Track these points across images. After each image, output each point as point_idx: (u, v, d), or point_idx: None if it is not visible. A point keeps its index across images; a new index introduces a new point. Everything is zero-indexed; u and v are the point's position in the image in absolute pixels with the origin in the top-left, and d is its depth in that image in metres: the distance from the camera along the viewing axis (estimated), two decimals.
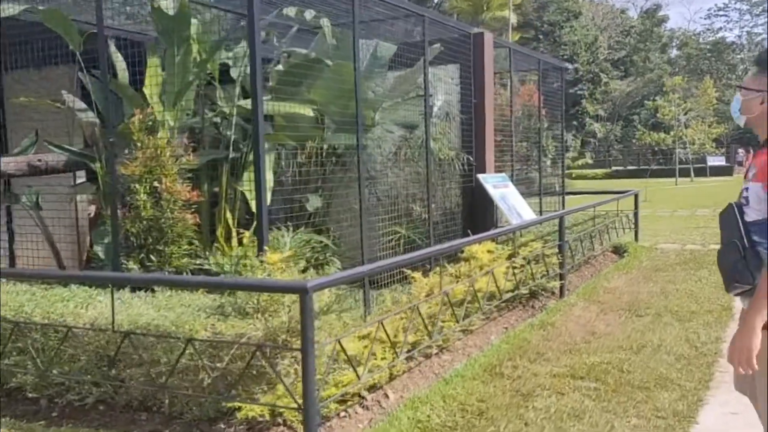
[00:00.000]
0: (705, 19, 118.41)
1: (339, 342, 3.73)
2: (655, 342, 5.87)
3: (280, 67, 6.75)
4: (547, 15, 56.46)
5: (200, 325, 3.77)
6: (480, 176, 7.70)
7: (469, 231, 7.44)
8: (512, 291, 6.89)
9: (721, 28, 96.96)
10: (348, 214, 7.44)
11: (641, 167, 49.60)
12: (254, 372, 3.71)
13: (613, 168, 53.33)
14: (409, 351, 5.24)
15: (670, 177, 36.74)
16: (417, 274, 6.35)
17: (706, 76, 50.61)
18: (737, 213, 2.67)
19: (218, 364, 3.64)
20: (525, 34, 54.80)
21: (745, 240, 2.61)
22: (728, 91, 63.36)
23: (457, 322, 5.73)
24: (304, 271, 5.07)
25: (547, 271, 7.48)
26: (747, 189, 2.65)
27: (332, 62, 6.48)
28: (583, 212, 10.85)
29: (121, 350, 3.92)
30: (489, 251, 7.20)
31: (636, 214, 11.71)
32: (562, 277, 7.55)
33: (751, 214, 2.63)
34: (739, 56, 69.08)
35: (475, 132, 7.88)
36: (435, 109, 7.56)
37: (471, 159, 7.88)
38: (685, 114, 38.35)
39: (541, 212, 10.26)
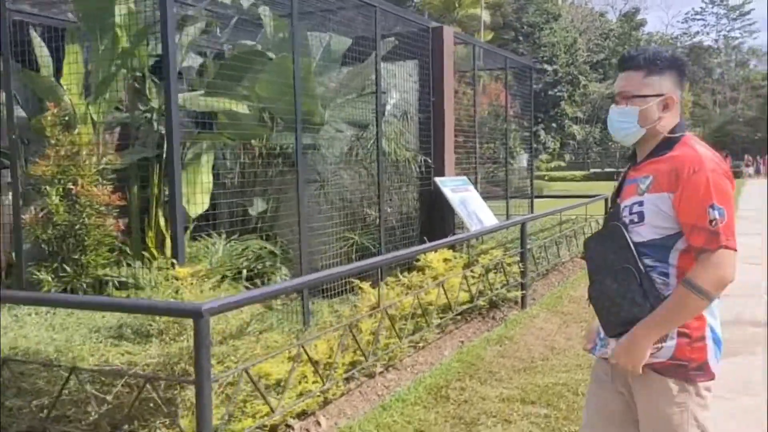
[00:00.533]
0: (682, 23, 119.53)
1: (246, 371, 3.26)
2: None
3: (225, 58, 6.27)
4: (526, 17, 56.28)
5: (88, 351, 3.29)
6: (438, 179, 7.26)
7: (425, 238, 7.00)
8: (469, 302, 6.46)
9: (698, 32, 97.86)
10: (297, 219, 6.98)
11: (619, 170, 49.59)
12: (151, 404, 3.23)
13: (592, 170, 53.37)
14: (347, 371, 4.79)
15: None
16: (366, 285, 5.90)
17: None
18: (627, 233, 2.22)
19: (108, 397, 3.16)
20: (505, 35, 54.64)
21: (640, 265, 2.19)
22: (704, 95, 63.80)
23: (400, 339, 5.28)
24: (222, 282, 4.60)
25: (508, 280, 7.06)
26: (640, 203, 2.22)
27: (276, 55, 6.01)
28: (552, 217, 10.48)
29: (3, 378, 3.43)
30: (446, 260, 6.77)
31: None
32: (523, 286, 7.14)
33: (645, 233, 2.21)
34: (715, 60, 69.59)
35: (433, 132, 7.44)
36: (388, 107, 7.11)
37: (429, 161, 7.45)
38: None
39: (507, 217, 9.86)
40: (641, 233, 2.21)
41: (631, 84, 2.29)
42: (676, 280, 2.19)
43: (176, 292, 3.70)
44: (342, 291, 6.44)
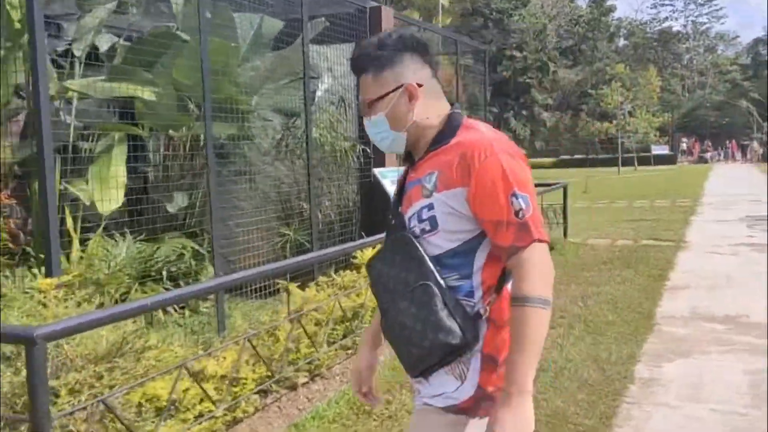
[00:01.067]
0: (651, 8, 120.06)
1: (104, 402, 2.79)
2: (560, 362, 5.08)
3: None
4: (495, 2, 55.91)
5: None
6: (377, 171, 6.80)
7: (362, 233, 6.56)
8: None
9: (667, 18, 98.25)
10: (230, 213, 6.50)
11: (589, 156, 49.73)
12: None
13: (561, 157, 53.42)
14: (262, 383, 4.34)
15: (615, 166, 36.61)
16: (293, 286, 5.45)
17: (650, 66, 50.75)
18: (418, 243, 1.79)
19: None
20: (473, 21, 54.26)
21: (440, 280, 1.76)
22: (673, 80, 64.07)
23: (317, 346, 4.83)
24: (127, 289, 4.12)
25: None
26: (429, 207, 1.78)
27: (191, 37, 5.50)
28: None
29: None
30: None
31: (564, 208, 11.00)
32: None
33: (441, 243, 1.78)
34: (684, 45, 69.90)
35: None
36: (319, 93, 6.64)
37: (368, 151, 6.99)
38: (629, 102, 38.21)
39: None
40: (437, 243, 1.78)
41: (366, 90, 1.89)
42: (483, 295, 1.77)
43: (44, 306, 3.22)
44: (273, 292, 6.00)
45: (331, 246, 6.73)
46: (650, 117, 37.98)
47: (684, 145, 52.46)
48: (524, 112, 58.66)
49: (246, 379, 4.05)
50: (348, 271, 6.08)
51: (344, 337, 5.24)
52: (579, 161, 46.64)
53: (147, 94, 5.13)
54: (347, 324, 5.27)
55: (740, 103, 54.00)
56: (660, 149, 44.90)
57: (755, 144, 48.58)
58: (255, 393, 4.39)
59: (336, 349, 5.19)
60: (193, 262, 6.15)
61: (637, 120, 37.97)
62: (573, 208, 16.09)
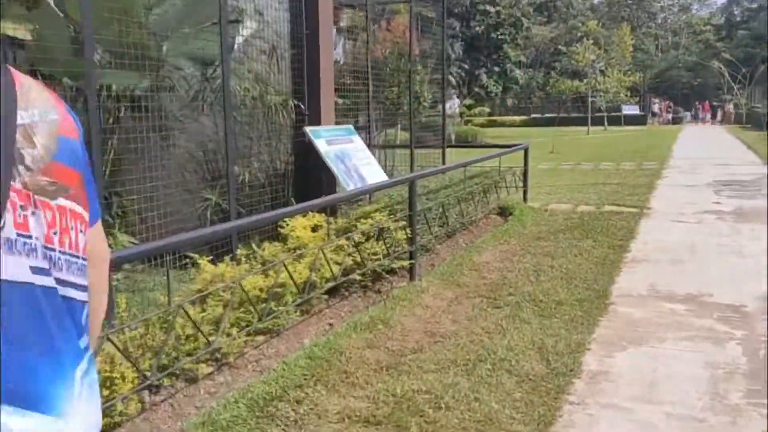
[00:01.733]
0: None
1: None
2: (500, 352, 4.52)
3: None
4: None
5: None
6: (309, 129, 6.10)
7: (293, 200, 5.90)
8: (337, 279, 5.42)
9: None
10: (144, 175, 5.78)
11: (560, 115, 49.21)
12: None
13: (532, 116, 52.84)
14: (141, 383, 3.70)
15: (585, 125, 36.13)
16: (205, 260, 4.80)
17: (624, 24, 50.00)
18: None
19: None
20: None
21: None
22: (647, 40, 63.41)
23: (211, 336, 4.20)
24: None
25: (390, 250, 6.03)
26: None
27: None
28: (469, 168, 9.48)
29: None
30: (315, 226, 5.70)
31: (525, 172, 10.42)
32: (412, 255, 6.13)
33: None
34: (658, 4, 69.15)
35: (307, 72, 6.26)
36: (240, 39, 5.87)
37: (302, 107, 6.28)
38: (602, 61, 37.54)
39: (412, 170, 8.81)
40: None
41: None
42: None
43: None
44: (182, 266, 5.33)
45: (259, 213, 6.06)
46: (621, 76, 37.38)
47: (656, 107, 52.12)
48: (496, 69, 57.55)
49: (119, 378, 3.41)
50: (273, 243, 5.44)
51: (260, 320, 4.62)
52: (549, 120, 46.09)
53: (20, 33, 4.35)
54: (263, 305, 4.64)
55: (713, 64, 53.59)
56: (631, 109, 44.55)
57: (730, 106, 48.38)
58: (144, 389, 3.78)
59: (249, 335, 4.57)
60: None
61: (608, 79, 37.39)
62: (537, 170, 15.56)
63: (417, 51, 9.08)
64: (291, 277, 4.63)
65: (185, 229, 5.82)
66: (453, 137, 25.42)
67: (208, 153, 5.98)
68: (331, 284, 5.21)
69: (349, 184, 5.98)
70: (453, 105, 29.44)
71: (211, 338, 4.11)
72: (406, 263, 6.13)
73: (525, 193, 10.39)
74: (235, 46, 5.59)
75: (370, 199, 6.74)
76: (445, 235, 8.08)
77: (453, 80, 54.60)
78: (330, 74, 6.35)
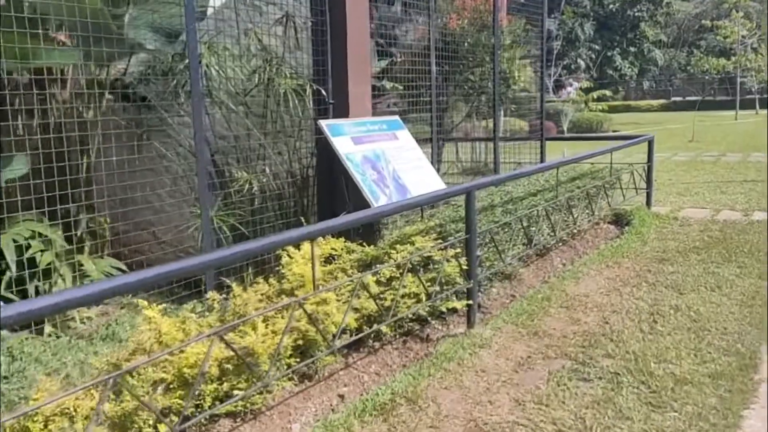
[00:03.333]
0: None
1: None
2: None
3: None
4: None
5: None
6: (325, 123, 4.53)
7: (301, 219, 4.40)
8: (352, 333, 3.89)
9: None
10: (114, 186, 4.54)
11: (704, 98, 44.78)
12: None
13: (673, 99, 48.52)
14: None
15: (732, 110, 32.20)
16: (153, 311, 3.43)
17: None
18: None
19: None
20: None
21: None
22: None
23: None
24: None
25: (436, 286, 4.40)
26: None
27: None
28: (579, 165, 7.62)
29: None
30: (330, 256, 4.20)
31: (649, 169, 8.35)
32: (468, 294, 4.46)
33: None
34: None
35: (331, 47, 4.73)
36: (216, 2, 4.40)
37: (324, 93, 4.77)
38: (754, 36, 33.21)
39: (496, 169, 7.07)
40: None
41: None
42: None
43: None
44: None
45: (269, 233, 4.63)
46: None
47: None
48: (632, 49, 53.56)
49: None
50: (268, 280, 3.98)
51: (223, 399, 3.17)
52: (691, 104, 41.91)
53: None
54: (218, 385, 3.19)
55: None
56: None
57: None
58: None
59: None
60: (55, 258, 4.21)
61: (761, 57, 33.03)
62: (671, 163, 13.20)
63: (505, 20, 7.31)
64: (286, 336, 3.14)
65: (164, 257, 4.50)
66: (566, 126, 23.04)
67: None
68: (337, 344, 3.68)
69: (378, 197, 4.41)
70: (569, 89, 26.85)
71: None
72: (459, 304, 4.48)
73: (648, 195, 8.34)
74: (210, 11, 4.18)
75: (422, 215, 5.14)
76: (535, 254, 6.33)
77: (582, 63, 51.22)
78: (363, 49, 4.78)
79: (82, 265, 4.34)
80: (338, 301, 3.86)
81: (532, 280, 5.90)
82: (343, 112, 4.77)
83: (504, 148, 9.30)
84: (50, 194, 4.22)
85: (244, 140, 4.62)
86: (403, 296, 4.14)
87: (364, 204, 4.35)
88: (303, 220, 4.35)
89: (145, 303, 3.44)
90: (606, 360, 4.06)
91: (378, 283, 4.17)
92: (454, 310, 4.63)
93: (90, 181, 4.57)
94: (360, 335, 3.91)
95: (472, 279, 4.41)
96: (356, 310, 3.95)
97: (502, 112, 11.11)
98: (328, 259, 4.20)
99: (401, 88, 5.87)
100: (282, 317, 3.51)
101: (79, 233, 4.40)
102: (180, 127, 4.80)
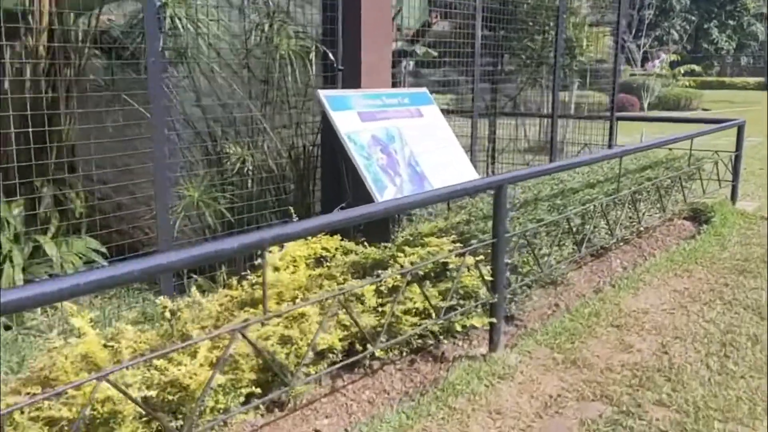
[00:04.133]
0: None
1: None
2: None
3: None
4: None
5: None
6: (324, 94, 3.70)
7: (295, 209, 3.67)
8: (339, 358, 3.17)
9: None
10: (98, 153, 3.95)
11: None
12: None
13: None
14: None
15: None
16: (83, 320, 2.80)
17: None
18: None
19: None
20: None
21: None
22: None
23: None
24: None
25: (460, 297, 3.62)
26: None
27: None
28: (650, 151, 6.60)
29: None
30: (322, 257, 3.48)
31: (737, 159, 7.22)
32: (492, 309, 3.65)
33: None
34: None
35: (342, 3, 3.91)
36: None
37: (332, 57, 3.98)
38: None
39: (551, 156, 6.15)
40: None
41: None
42: None
43: None
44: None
45: (265, 220, 3.94)
46: None
47: None
48: (731, 22, 50.10)
49: None
50: (237, 284, 3.30)
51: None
52: None
53: None
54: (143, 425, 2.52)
55: None
56: None
57: None
58: None
59: None
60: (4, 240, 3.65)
61: None
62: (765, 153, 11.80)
63: None
64: (218, 371, 2.45)
65: (146, 240, 3.88)
66: (647, 102, 21.25)
67: (190, 126, 3.95)
68: (301, 376, 2.96)
69: (384, 188, 3.60)
70: (656, 62, 24.93)
71: None
72: (478, 322, 3.68)
73: (734, 189, 7.23)
74: None
75: (449, 208, 4.32)
76: (590, 255, 5.44)
77: (675, 34, 48.18)
78: (383, 5, 3.92)
79: (39, 247, 3.76)
80: (323, 314, 3.13)
81: (583, 286, 5.03)
82: (353, 81, 3.99)
83: (575, 125, 8.33)
84: (9, 165, 3.65)
85: (233, 111, 3.92)
86: (406, 312, 3.38)
87: (366, 195, 3.59)
88: (293, 210, 3.62)
89: (74, 309, 2.80)
90: (657, 409, 3.21)
91: (379, 292, 3.42)
92: (472, 327, 3.84)
93: (61, 150, 3.98)
94: (342, 362, 3.18)
95: (497, 292, 3.60)
96: (345, 326, 3.22)
97: (576, 85, 10.03)
98: (319, 261, 3.48)
99: (435, 54, 5.03)
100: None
101: (41, 210, 3.82)
102: (176, 90, 4.14)
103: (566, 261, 4.74)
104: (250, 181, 3.93)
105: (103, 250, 4.21)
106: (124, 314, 3.34)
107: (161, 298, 3.00)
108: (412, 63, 5.10)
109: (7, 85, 3.95)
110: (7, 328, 3.63)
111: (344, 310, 3.13)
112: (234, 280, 3.34)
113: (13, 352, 3.38)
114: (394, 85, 6.38)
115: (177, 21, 3.29)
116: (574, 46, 6.46)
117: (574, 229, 4.78)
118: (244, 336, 2.37)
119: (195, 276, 3.76)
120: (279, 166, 4.06)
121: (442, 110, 5.00)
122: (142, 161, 4.24)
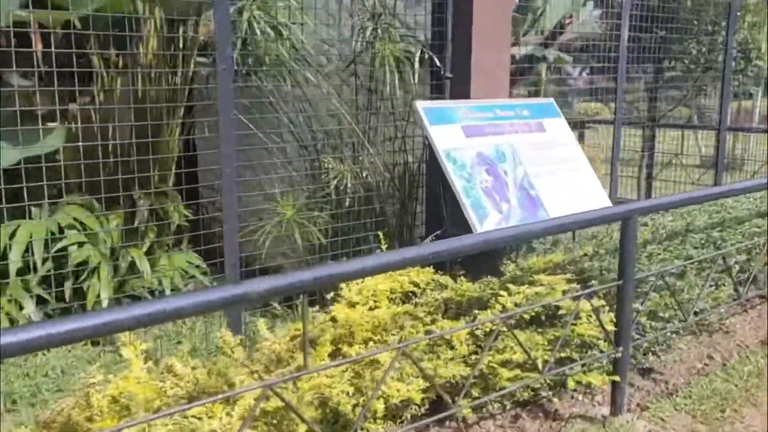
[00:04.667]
0: None
1: None
2: None
3: None
4: None
5: None
6: (421, 105, 3.21)
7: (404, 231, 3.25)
8: (420, 405, 2.73)
9: None
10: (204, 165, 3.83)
11: None
12: None
13: None
14: None
15: None
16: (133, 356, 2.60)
17: None
18: None
19: None
20: None
21: None
22: None
23: None
24: None
25: (573, 348, 3.03)
26: None
27: None
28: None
29: None
30: (412, 293, 3.06)
31: None
32: (614, 366, 3.02)
33: None
34: None
35: (453, 3, 3.40)
36: None
37: (438, 64, 3.50)
38: None
39: (717, 172, 5.27)
40: None
41: None
42: None
43: None
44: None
45: (357, 244, 3.58)
46: None
47: None
48: None
49: None
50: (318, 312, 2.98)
51: None
52: None
53: None
54: None
55: None
56: None
57: None
58: None
59: None
60: (95, 253, 3.57)
61: None
62: None
63: None
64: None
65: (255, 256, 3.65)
66: None
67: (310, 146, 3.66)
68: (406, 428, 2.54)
69: (486, 215, 3.06)
70: None
71: None
72: (597, 380, 3.05)
73: None
74: None
75: (574, 238, 3.68)
76: (759, 297, 4.56)
77: None
78: (504, 9, 3.36)
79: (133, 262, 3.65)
80: (406, 359, 2.70)
81: (746, 334, 4.18)
82: (463, 90, 3.50)
83: (756, 139, 7.28)
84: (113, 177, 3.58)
85: (324, 125, 3.59)
86: (504, 363, 2.85)
87: (465, 223, 3.09)
88: (383, 235, 3.20)
89: (126, 339, 2.58)
90: None
91: (474, 336, 2.93)
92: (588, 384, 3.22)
93: (166, 162, 3.87)
94: (423, 419, 2.72)
95: (621, 345, 2.96)
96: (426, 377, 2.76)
97: (759, 92, 8.84)
98: (407, 297, 3.04)
99: (570, 60, 4.39)
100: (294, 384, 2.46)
101: (136, 223, 3.71)
102: (284, 101, 3.90)
103: (725, 304, 3.95)
104: (348, 200, 3.59)
105: (203, 265, 4.06)
106: (182, 347, 3.10)
107: (223, 329, 2.72)
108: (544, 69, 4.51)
109: (137, 92, 3.88)
110: (95, 344, 3.54)
111: (440, 353, 2.68)
112: (312, 312, 2.99)
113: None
114: (534, 95, 5.81)
115: (255, 26, 3.02)
116: (750, 48, 5.49)
117: (737, 267, 3.97)
118: (275, 393, 2.00)
119: (274, 303, 3.48)
120: (380, 185, 3.69)
121: (591, 121, 4.38)
122: (256, 173, 4.06)
